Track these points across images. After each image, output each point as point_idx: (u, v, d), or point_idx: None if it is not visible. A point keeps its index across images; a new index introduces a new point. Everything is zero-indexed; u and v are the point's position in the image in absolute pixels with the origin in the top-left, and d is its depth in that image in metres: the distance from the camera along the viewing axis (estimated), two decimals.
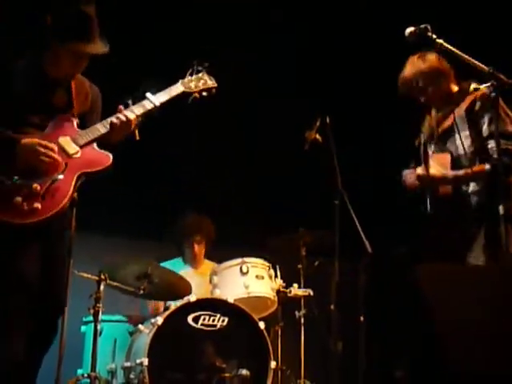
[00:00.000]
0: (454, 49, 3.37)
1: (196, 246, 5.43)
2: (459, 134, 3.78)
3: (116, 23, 3.99)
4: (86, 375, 4.26)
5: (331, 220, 4.39)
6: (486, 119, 3.73)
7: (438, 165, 3.82)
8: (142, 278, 4.57)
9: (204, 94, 3.82)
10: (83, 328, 4.83)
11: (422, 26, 3.39)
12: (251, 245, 5.25)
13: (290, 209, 5.88)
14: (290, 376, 4.75)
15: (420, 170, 3.82)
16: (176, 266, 5.26)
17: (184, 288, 4.65)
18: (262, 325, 4.27)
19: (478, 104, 3.73)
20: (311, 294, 4.89)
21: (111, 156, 3.51)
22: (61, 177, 3.34)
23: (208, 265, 5.43)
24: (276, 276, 4.82)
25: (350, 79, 5.99)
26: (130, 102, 3.59)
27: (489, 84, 3.34)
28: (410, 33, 3.41)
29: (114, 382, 4.39)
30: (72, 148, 3.41)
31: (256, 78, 5.88)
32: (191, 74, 3.81)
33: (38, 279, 3.38)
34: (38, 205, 3.23)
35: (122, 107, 3.55)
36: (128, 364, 4.25)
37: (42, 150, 3.28)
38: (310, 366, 4.77)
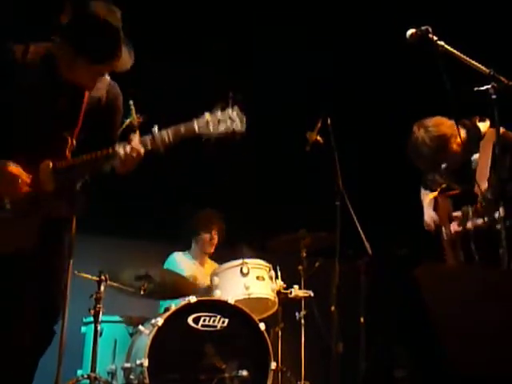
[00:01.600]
0: (454, 51, 3.37)
1: (207, 236, 5.45)
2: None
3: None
4: (85, 376, 4.27)
5: (332, 221, 4.40)
6: (507, 161, 3.70)
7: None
8: (142, 278, 4.58)
9: (225, 139, 3.07)
10: (83, 329, 4.82)
11: (423, 27, 3.39)
12: (251, 246, 5.27)
13: (291, 210, 5.88)
14: (290, 377, 4.74)
15: (457, 227, 3.90)
16: (184, 257, 5.34)
17: (185, 287, 4.66)
18: (262, 326, 4.27)
19: (502, 146, 3.65)
20: (312, 295, 4.90)
21: (77, 207, 3.12)
22: (8, 207, 2.89)
23: (211, 264, 5.46)
24: (276, 277, 4.82)
25: (352, 79, 6.00)
26: (155, 128, 3.01)
27: (488, 86, 3.36)
28: (411, 34, 3.40)
29: (113, 383, 4.38)
30: (47, 181, 2.94)
31: (261, 80, 5.90)
32: (223, 109, 3.06)
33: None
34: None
35: (134, 137, 3.01)
36: (128, 365, 4.25)
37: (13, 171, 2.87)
38: (311, 367, 4.77)
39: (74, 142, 3.04)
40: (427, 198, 4.30)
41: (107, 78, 3.13)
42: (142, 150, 2.95)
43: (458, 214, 3.93)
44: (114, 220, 5.85)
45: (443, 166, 4.10)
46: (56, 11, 2.87)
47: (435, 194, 4.21)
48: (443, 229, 4.14)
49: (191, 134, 3.03)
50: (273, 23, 5.85)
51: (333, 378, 4.58)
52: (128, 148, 2.93)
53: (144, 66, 3.24)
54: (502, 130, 3.64)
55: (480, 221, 3.81)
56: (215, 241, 5.50)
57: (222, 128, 3.02)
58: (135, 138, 2.97)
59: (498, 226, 3.77)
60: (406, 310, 2.72)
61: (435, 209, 4.23)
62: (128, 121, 4.20)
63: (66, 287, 4.01)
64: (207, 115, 3.03)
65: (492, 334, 2.43)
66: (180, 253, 5.43)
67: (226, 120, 3.05)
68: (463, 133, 3.91)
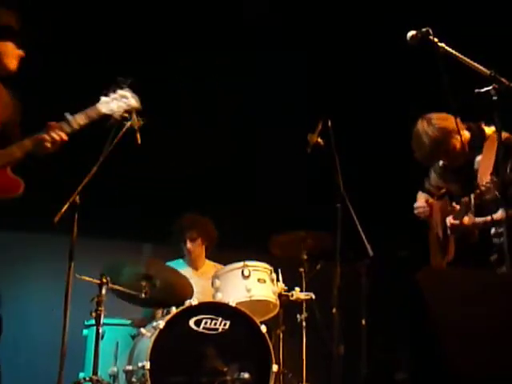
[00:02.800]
0: (455, 52, 3.37)
1: (189, 243, 5.37)
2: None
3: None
4: (87, 378, 4.26)
5: (333, 223, 4.40)
6: (510, 165, 3.70)
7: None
8: (143, 279, 4.57)
9: (125, 115, 3.71)
10: (85, 331, 4.82)
11: (424, 29, 3.39)
12: (253, 248, 5.27)
13: (292, 212, 5.89)
14: (291, 379, 4.74)
15: (452, 220, 3.88)
16: (178, 266, 5.25)
17: (186, 290, 4.65)
18: (263, 328, 4.27)
19: (501, 152, 3.61)
20: (313, 297, 4.89)
21: (23, 184, 3.40)
22: None
23: (209, 266, 5.42)
24: (278, 279, 4.81)
25: (352, 81, 6.01)
26: (68, 115, 3.51)
27: (489, 88, 3.36)
28: (412, 36, 3.41)
29: None
30: None
31: (261, 81, 5.90)
32: (114, 91, 3.66)
33: None
34: None
35: (54, 124, 3.47)
36: (130, 367, 4.25)
37: None
38: (312, 370, 4.77)
39: None
40: (422, 198, 4.29)
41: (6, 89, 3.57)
42: (64, 135, 3.44)
43: (456, 206, 3.91)
44: (115, 223, 5.86)
45: (441, 162, 4.10)
46: None
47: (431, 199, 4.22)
48: (435, 226, 4.13)
49: (98, 115, 3.60)
50: (273, 22, 5.86)
51: (334, 380, 4.57)
52: (53, 133, 3.38)
53: None
54: (506, 134, 3.65)
55: (480, 219, 3.80)
56: (198, 248, 5.43)
57: (121, 105, 3.65)
58: (53, 125, 3.42)
59: (493, 230, 3.79)
60: (406, 312, 2.71)
61: (430, 214, 4.23)
62: (129, 123, 4.22)
63: (68, 290, 4.03)
64: (103, 98, 3.62)
65: (492, 335, 2.43)
66: (171, 263, 5.31)
67: (121, 99, 3.65)
68: (467, 133, 3.92)
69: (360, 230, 4.38)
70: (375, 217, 5.03)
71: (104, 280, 4.35)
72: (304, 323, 4.89)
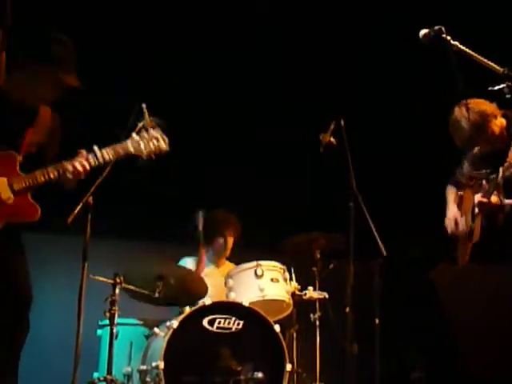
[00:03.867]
0: (468, 50, 3.35)
1: (222, 240, 5.43)
2: None
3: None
4: (102, 378, 4.28)
5: (346, 222, 4.39)
6: None
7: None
8: (157, 279, 4.58)
9: (153, 157, 3.61)
10: (99, 331, 4.85)
11: (437, 27, 3.38)
12: (266, 247, 5.27)
13: (305, 211, 5.89)
14: (305, 379, 4.75)
15: (480, 197, 3.86)
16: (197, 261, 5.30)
17: (200, 289, 4.66)
18: (277, 328, 4.27)
19: None
20: (326, 296, 4.90)
21: (39, 211, 3.44)
22: None
23: (229, 266, 5.43)
24: (291, 279, 4.82)
25: (365, 80, 6.00)
26: (96, 147, 3.49)
27: (504, 85, 3.34)
28: (425, 34, 3.40)
29: None
30: (5, 193, 3.34)
31: (273, 80, 5.90)
32: (146, 130, 3.63)
33: None
34: None
35: (83, 153, 3.47)
36: (144, 367, 4.27)
37: None
38: (326, 369, 4.78)
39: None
40: (452, 194, 4.28)
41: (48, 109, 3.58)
42: (88, 166, 3.41)
43: (485, 184, 3.90)
44: (128, 223, 5.88)
45: (476, 149, 4.06)
46: None
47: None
48: (461, 220, 4.11)
49: (126, 153, 3.54)
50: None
51: (348, 379, 4.56)
52: (76, 164, 3.39)
53: None
54: None
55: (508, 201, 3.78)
56: (230, 244, 5.48)
57: (150, 147, 3.57)
58: (81, 155, 3.43)
59: None
60: (421, 311, 2.71)
61: (459, 204, 4.21)
62: (141, 123, 4.23)
63: (82, 290, 4.04)
64: (134, 136, 3.58)
65: (508, 335, 2.42)
66: (190, 258, 5.37)
67: (152, 139, 3.60)
68: (503, 120, 3.89)
69: (373, 228, 4.38)
70: (388, 216, 5.01)
71: (118, 280, 4.37)
72: (317, 322, 4.90)
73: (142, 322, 4.91)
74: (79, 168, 3.41)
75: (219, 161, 6.13)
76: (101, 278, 4.45)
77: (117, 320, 4.32)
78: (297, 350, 4.76)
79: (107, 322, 4.35)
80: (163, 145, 3.62)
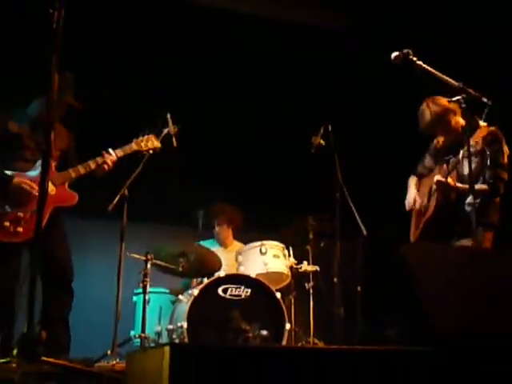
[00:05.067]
0: (430, 68, 3.39)
1: (217, 228, 5.40)
2: (469, 159, 3.76)
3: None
4: (137, 336, 4.35)
5: (333, 209, 4.42)
6: (491, 152, 3.71)
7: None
8: (180, 256, 4.61)
9: (150, 151, 4.15)
10: (135, 298, 4.89)
11: (405, 50, 3.41)
12: (269, 230, 5.27)
13: (300, 200, 5.87)
14: (301, 335, 4.76)
15: (439, 177, 3.83)
16: (211, 245, 5.29)
17: (215, 263, 4.67)
18: (278, 295, 4.27)
19: (488, 138, 3.66)
20: (318, 269, 4.90)
21: (77, 196, 3.80)
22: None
23: (236, 245, 5.39)
24: (289, 255, 4.81)
25: (350, 91, 5.99)
26: (110, 149, 3.95)
27: (459, 97, 3.37)
28: (395, 56, 3.43)
29: (160, 341, 4.43)
30: (49, 187, 3.56)
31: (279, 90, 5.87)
32: (142, 135, 4.13)
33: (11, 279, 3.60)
34: (20, 229, 3.54)
35: (105, 153, 3.90)
36: (171, 327, 4.27)
37: (27, 188, 3.57)
38: (318, 327, 4.77)
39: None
40: (413, 181, 4.27)
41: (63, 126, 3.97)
42: (110, 161, 3.90)
43: (445, 167, 3.87)
44: (158, 210, 5.88)
45: (436, 141, 4.04)
46: None
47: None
48: (418, 199, 4.11)
49: (131, 150, 4.05)
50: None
51: (336, 335, 4.59)
52: (108, 160, 3.88)
53: None
54: (492, 128, 3.65)
55: (461, 185, 3.76)
56: (225, 231, 5.43)
57: (147, 145, 4.12)
58: (105, 154, 3.91)
59: (468, 199, 3.76)
60: (395, 280, 2.74)
61: (418, 189, 4.21)
62: (166, 130, 4.29)
63: (120, 265, 4.11)
64: (135, 139, 4.10)
65: (463, 297, 2.44)
66: (204, 242, 5.29)
67: (147, 142, 4.14)
68: (462, 120, 3.86)
69: (355, 213, 4.41)
70: (367, 203, 5.02)
71: (149, 257, 4.41)
72: (311, 290, 4.90)
73: (168, 291, 4.96)
74: (110, 163, 3.89)
75: (231, 160, 6.09)
76: (135, 255, 4.49)
77: (148, 289, 4.37)
78: (294, 313, 4.77)
79: (141, 290, 4.39)
80: (156, 143, 4.17)
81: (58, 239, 3.78)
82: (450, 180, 3.78)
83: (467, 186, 3.63)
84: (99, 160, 3.88)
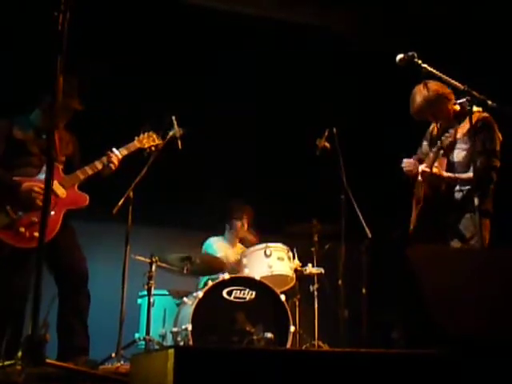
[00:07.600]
0: (435, 71, 3.37)
1: (238, 223, 5.38)
2: (460, 146, 3.70)
3: None
4: (142, 338, 4.34)
5: (338, 211, 4.41)
6: (482, 138, 3.60)
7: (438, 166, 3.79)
8: (185, 259, 4.62)
9: (153, 148, 4.19)
10: (139, 300, 4.87)
11: (410, 53, 3.39)
12: (274, 232, 5.26)
13: (306, 203, 5.86)
14: (306, 338, 4.75)
15: (424, 167, 3.73)
16: (219, 241, 5.32)
17: (219, 265, 4.69)
18: (282, 297, 4.28)
19: (479, 125, 3.59)
20: (323, 271, 4.89)
21: (88, 197, 3.83)
22: (52, 213, 3.62)
23: (240, 247, 5.40)
24: (294, 257, 4.81)
25: (354, 96, 5.98)
26: (114, 149, 3.98)
27: (464, 100, 3.36)
28: (400, 59, 3.41)
29: (164, 344, 4.43)
30: (60, 190, 3.71)
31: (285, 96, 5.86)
32: (143, 132, 4.17)
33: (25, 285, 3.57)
34: (36, 233, 3.51)
35: (110, 153, 3.92)
36: (175, 329, 4.29)
37: (39, 190, 3.57)
38: (322, 330, 4.77)
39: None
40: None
41: (67, 131, 3.98)
42: (117, 160, 3.92)
43: (431, 155, 3.77)
44: (162, 214, 5.88)
45: (431, 128, 3.97)
46: None
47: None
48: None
49: (135, 148, 4.08)
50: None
51: (341, 338, 4.59)
52: (113, 159, 3.90)
53: None
54: (485, 114, 3.60)
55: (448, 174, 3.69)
56: (245, 227, 5.45)
57: (149, 142, 4.16)
58: (110, 153, 3.94)
59: (457, 187, 3.69)
60: (399, 283, 2.73)
61: (416, 173, 4.09)
62: (172, 133, 4.29)
63: (125, 267, 4.10)
64: (136, 138, 4.12)
65: (474, 299, 2.43)
66: (215, 237, 5.38)
67: (148, 138, 4.16)
68: (457, 107, 3.78)
69: (360, 216, 4.40)
70: (373, 205, 5.01)
71: (154, 259, 4.42)
72: (315, 293, 4.89)
73: (173, 293, 4.96)
74: (116, 162, 3.91)
75: (236, 162, 6.08)
76: (140, 258, 4.49)
77: (153, 291, 4.38)
78: (299, 315, 4.77)
79: (146, 292, 4.40)
80: (157, 140, 4.20)
81: (72, 241, 3.82)
82: (434, 170, 3.67)
83: (454, 175, 3.59)
84: (105, 160, 3.89)
